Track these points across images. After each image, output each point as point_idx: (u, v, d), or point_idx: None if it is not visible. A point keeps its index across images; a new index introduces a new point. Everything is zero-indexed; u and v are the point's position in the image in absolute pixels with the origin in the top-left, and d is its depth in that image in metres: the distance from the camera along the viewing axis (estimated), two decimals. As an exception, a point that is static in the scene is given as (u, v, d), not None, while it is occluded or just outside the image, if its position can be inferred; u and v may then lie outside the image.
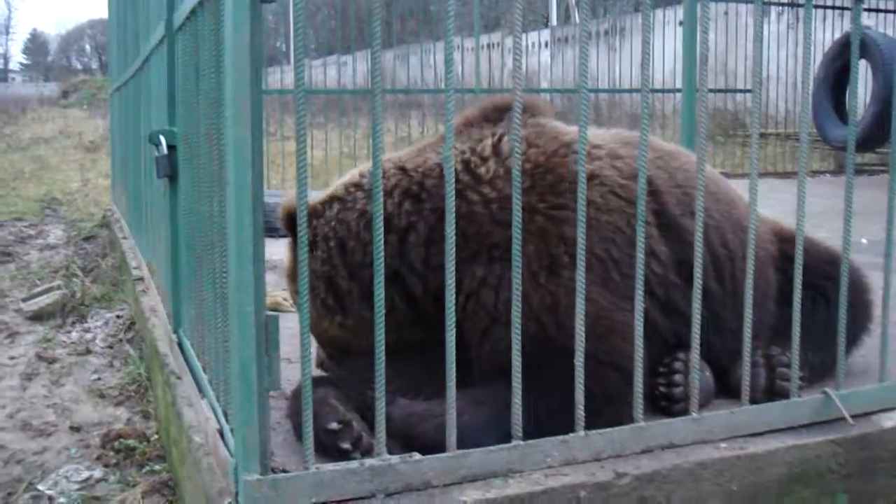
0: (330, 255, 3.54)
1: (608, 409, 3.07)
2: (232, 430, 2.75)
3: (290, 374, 3.68)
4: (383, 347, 2.71)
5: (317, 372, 3.72)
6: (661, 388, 3.40)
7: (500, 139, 3.52)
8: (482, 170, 3.49)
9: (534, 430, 2.95)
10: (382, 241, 2.72)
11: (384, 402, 2.72)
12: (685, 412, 3.19)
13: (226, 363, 2.98)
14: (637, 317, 3.00)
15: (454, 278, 2.79)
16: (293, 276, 3.73)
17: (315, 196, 3.64)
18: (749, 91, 15.62)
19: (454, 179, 2.79)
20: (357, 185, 3.62)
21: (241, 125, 2.49)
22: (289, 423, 3.34)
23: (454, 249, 2.77)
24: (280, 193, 6.93)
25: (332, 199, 3.63)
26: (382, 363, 2.71)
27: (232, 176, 2.54)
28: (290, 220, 3.47)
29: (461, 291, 3.29)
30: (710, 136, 16.41)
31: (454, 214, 2.76)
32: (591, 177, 3.43)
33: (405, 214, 3.49)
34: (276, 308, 5.40)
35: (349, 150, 13.84)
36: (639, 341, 3.00)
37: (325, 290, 3.52)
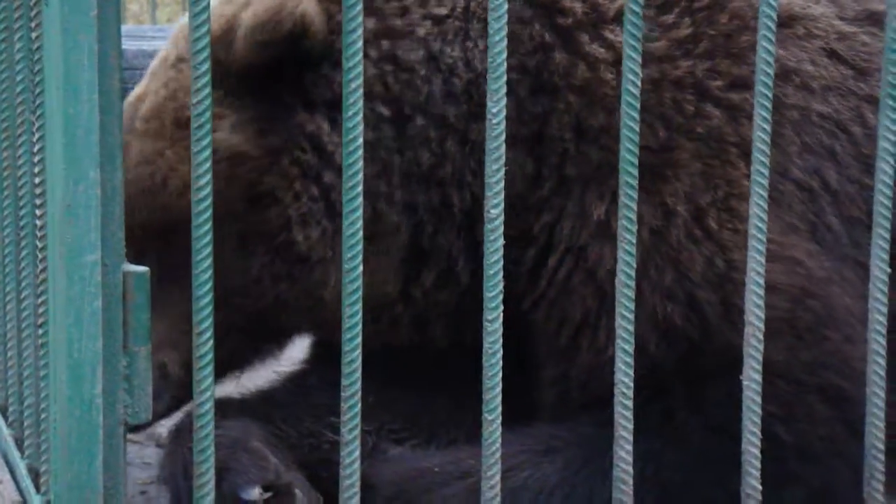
0: (443, 143, 2.34)
1: (809, 473, 2.13)
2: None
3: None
4: (358, 334, 1.73)
5: (230, 387, 2.70)
6: None
7: None
8: None
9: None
10: (359, 111, 1.66)
11: (358, 449, 1.73)
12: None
13: (38, 371, 2.13)
14: (875, 299, 1.82)
15: (500, 199, 1.67)
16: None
17: None
18: None
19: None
20: None
21: None
22: (164, 491, 2.43)
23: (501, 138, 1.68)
24: (150, 31, 4.79)
25: None
26: (357, 367, 1.71)
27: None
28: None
29: (551, 246, 2.28)
30: None
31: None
32: (789, 19, 2.35)
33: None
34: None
35: None
36: (877, 346, 1.84)
37: (429, 223, 2.36)
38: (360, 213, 1.72)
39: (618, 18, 2.33)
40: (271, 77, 2.32)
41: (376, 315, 2.38)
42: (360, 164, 1.72)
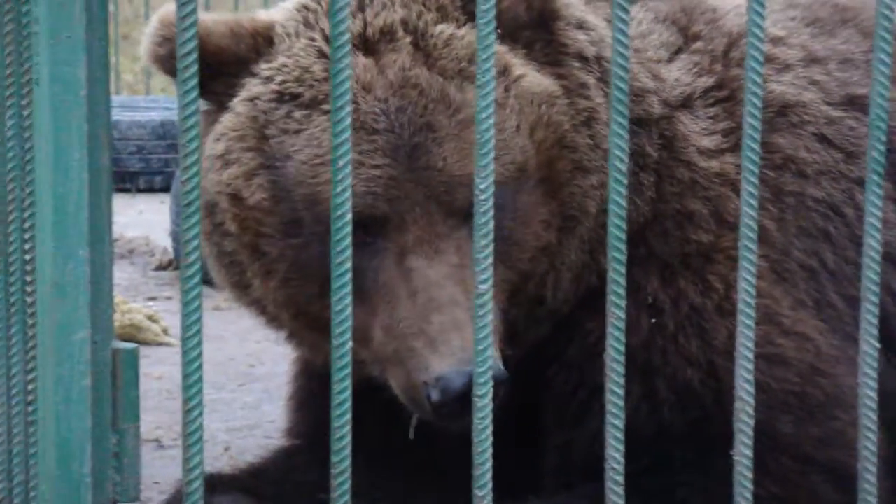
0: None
1: None
2: None
3: (162, 469, 2.61)
4: (348, 410, 1.66)
5: (222, 461, 2.70)
6: None
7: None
8: (668, 73, 2.39)
9: None
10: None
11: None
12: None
13: (27, 448, 2.09)
14: (866, 376, 1.75)
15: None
16: None
17: None
18: None
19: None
20: None
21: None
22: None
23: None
24: (144, 102, 4.95)
25: None
26: (347, 444, 1.65)
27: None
28: None
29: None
30: None
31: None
32: (784, 107, 2.37)
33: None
34: (133, 337, 4.02)
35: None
36: (870, 423, 1.77)
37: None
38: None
39: (686, 105, 2.36)
40: (545, 25, 2.29)
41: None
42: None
